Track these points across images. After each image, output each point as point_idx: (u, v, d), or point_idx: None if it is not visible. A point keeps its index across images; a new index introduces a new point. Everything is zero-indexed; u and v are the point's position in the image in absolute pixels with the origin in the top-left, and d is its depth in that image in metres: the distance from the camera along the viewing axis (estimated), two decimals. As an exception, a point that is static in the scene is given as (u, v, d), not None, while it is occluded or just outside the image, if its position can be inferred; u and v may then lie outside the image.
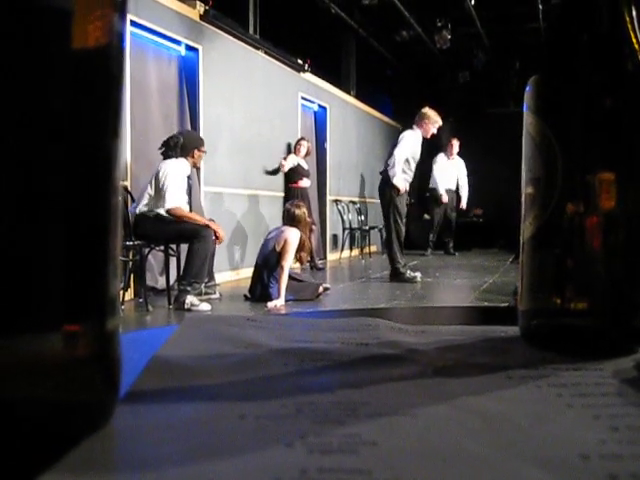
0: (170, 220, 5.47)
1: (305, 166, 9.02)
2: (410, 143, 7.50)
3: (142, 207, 5.48)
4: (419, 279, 7.62)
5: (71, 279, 0.30)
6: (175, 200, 5.49)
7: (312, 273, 8.17)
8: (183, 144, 5.69)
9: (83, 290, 0.31)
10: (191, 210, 5.85)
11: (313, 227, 6.98)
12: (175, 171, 5.55)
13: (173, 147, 5.66)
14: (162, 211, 5.48)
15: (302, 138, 9.15)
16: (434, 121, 7.56)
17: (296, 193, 8.64)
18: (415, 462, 0.28)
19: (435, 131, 7.66)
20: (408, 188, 7.63)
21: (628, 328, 0.50)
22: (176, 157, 5.64)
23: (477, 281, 7.69)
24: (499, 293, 6.39)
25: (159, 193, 5.46)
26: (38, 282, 0.29)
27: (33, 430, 0.29)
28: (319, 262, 9.24)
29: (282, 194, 9.03)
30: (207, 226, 5.53)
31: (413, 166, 7.59)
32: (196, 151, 5.83)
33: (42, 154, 0.29)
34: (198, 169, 7.28)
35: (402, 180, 7.46)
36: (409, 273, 7.63)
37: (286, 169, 8.80)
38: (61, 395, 0.30)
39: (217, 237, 5.64)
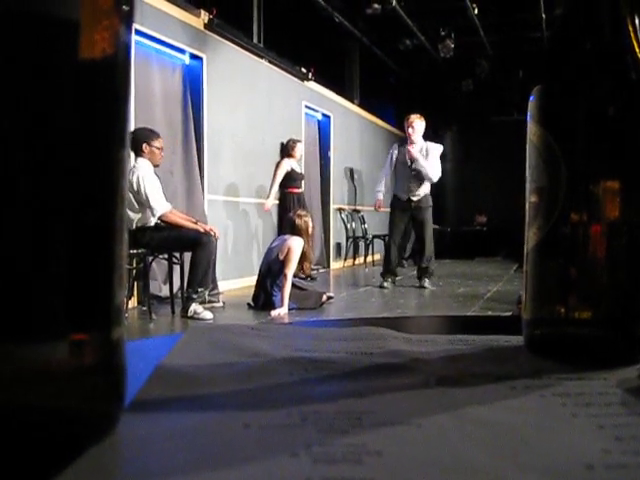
0: (166, 227, 5.45)
1: (299, 170, 8.70)
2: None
3: (137, 223, 5.42)
4: (386, 286, 7.85)
5: (77, 288, 0.30)
6: (162, 206, 5.38)
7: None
8: (130, 141, 5.39)
9: (89, 299, 0.31)
10: None
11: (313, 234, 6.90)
12: (145, 173, 5.31)
13: None
14: (155, 220, 5.43)
15: (298, 140, 8.80)
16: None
17: (292, 198, 8.40)
18: (419, 472, 0.28)
19: (407, 129, 7.70)
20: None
21: (632, 337, 0.50)
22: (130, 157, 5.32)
23: (481, 290, 7.68)
24: (503, 302, 6.38)
25: (141, 201, 5.32)
26: (45, 291, 0.29)
27: (38, 438, 0.29)
28: (313, 272, 9.02)
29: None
30: (207, 232, 5.52)
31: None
32: (145, 146, 5.38)
33: (48, 164, 0.29)
34: (202, 176, 7.29)
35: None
36: (381, 282, 7.96)
37: (281, 177, 8.41)
38: (66, 403, 0.30)
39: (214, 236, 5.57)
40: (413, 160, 7.49)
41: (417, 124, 7.59)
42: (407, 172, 7.57)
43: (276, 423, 0.35)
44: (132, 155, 5.38)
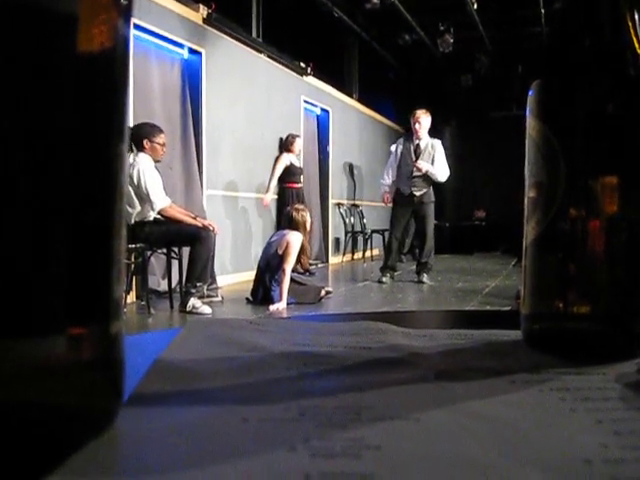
0: (165, 222, 5.44)
1: (298, 164, 8.68)
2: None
3: (135, 217, 5.42)
4: (385, 281, 7.87)
5: (76, 282, 0.30)
6: (162, 200, 5.38)
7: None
8: (131, 137, 5.12)
9: (88, 293, 0.31)
10: None
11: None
12: (145, 167, 5.30)
13: None
14: (154, 214, 5.43)
15: (297, 135, 8.82)
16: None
17: (291, 193, 8.39)
18: (418, 466, 0.28)
19: (413, 125, 7.72)
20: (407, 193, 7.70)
21: (631, 332, 0.50)
22: (131, 151, 5.24)
23: (480, 284, 7.69)
24: (502, 297, 6.38)
25: (141, 195, 5.31)
26: (43, 285, 0.29)
27: (36, 433, 0.29)
28: (312, 267, 9.01)
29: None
30: (206, 228, 5.51)
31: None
32: (147, 142, 5.39)
33: (47, 158, 0.29)
34: (201, 171, 7.29)
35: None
36: (379, 277, 7.96)
37: (280, 172, 8.42)
38: (65, 398, 0.30)
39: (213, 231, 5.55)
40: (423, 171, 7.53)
41: (423, 119, 7.59)
42: (411, 167, 7.56)
43: (274, 417, 0.35)
44: (133, 150, 5.38)
